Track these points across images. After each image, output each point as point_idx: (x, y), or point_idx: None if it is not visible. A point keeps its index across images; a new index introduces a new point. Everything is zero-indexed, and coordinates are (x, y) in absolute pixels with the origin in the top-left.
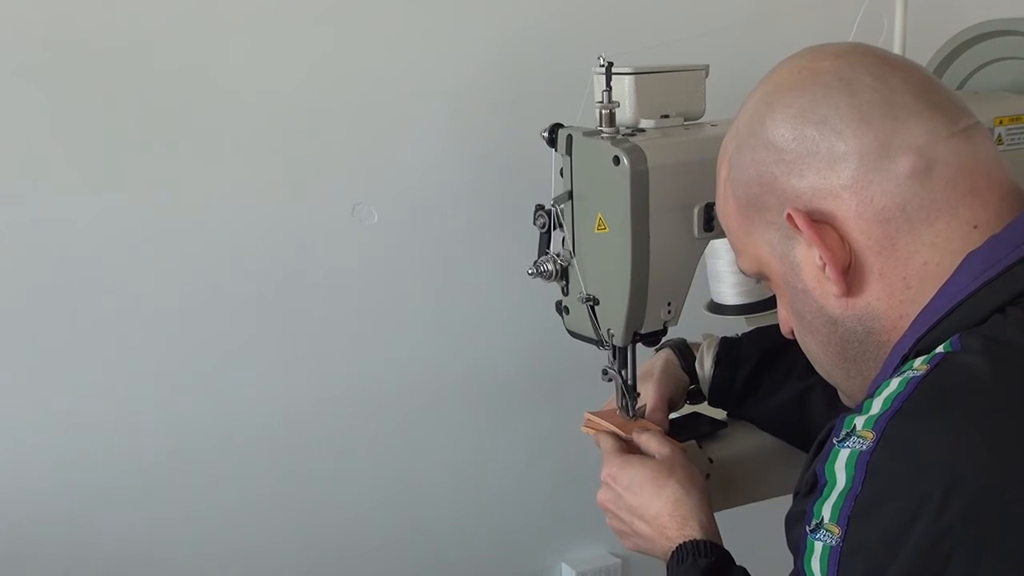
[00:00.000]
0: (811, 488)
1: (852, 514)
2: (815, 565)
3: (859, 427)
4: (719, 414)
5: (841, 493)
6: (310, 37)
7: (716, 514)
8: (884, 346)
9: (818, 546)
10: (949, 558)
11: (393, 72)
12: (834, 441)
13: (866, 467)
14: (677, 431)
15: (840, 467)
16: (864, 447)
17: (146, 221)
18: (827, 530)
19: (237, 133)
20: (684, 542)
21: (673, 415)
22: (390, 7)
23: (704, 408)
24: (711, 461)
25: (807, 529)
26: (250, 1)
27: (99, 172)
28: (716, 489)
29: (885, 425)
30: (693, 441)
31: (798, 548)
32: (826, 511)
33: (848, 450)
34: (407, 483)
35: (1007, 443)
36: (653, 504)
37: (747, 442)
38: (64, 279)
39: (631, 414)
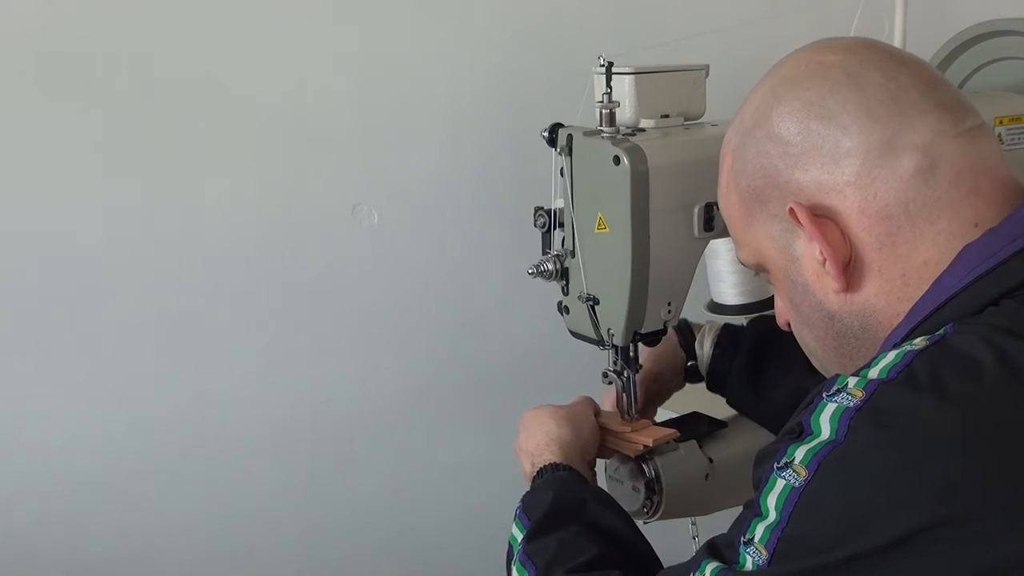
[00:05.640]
0: (794, 437)
1: (824, 462)
2: (771, 501)
3: (851, 385)
4: (719, 414)
5: (820, 442)
6: (311, 39)
7: (713, 515)
8: (880, 342)
9: (780, 483)
10: (920, 536)
11: (393, 72)
12: (823, 395)
13: (849, 423)
14: (677, 430)
15: (825, 419)
16: (851, 404)
17: (147, 224)
18: (794, 471)
19: (237, 134)
20: (544, 464)
21: (673, 415)
22: (391, 8)
23: (702, 401)
24: (711, 461)
25: (775, 465)
26: (251, 3)
27: (100, 175)
28: (716, 489)
29: (876, 388)
30: (693, 441)
31: (760, 482)
32: (799, 453)
33: (835, 404)
34: (407, 483)
35: (995, 426)
36: (532, 439)
37: (747, 442)
38: (65, 281)
39: (631, 416)
